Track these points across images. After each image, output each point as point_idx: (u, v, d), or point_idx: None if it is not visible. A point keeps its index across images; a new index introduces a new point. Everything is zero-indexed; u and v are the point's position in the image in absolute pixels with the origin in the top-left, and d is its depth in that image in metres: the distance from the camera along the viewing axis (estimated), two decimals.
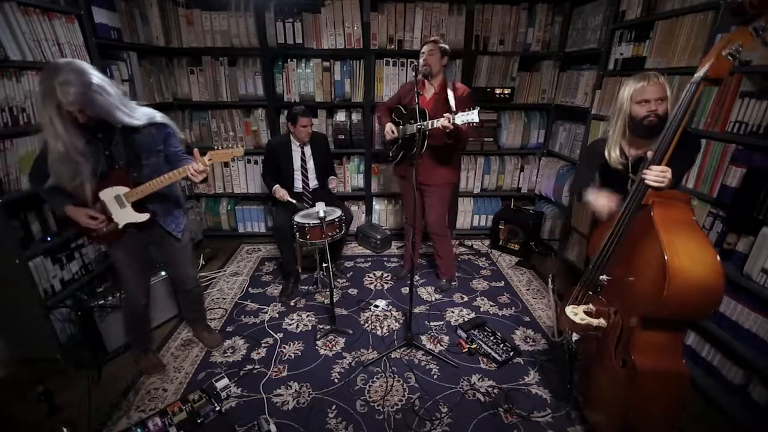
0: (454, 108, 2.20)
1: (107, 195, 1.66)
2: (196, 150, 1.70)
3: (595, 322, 1.45)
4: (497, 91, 3.22)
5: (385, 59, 3.16)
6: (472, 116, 2.01)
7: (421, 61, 2.31)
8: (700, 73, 1.23)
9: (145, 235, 1.81)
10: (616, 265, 1.44)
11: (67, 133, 1.45)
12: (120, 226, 1.72)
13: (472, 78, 3.24)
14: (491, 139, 3.46)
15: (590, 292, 1.54)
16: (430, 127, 2.17)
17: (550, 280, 1.64)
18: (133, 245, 1.81)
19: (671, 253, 1.18)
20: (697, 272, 1.17)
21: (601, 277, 1.47)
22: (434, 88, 2.40)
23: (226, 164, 3.43)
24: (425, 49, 2.31)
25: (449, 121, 2.05)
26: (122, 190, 1.66)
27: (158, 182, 1.67)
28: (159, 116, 1.70)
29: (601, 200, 1.57)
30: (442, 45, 2.32)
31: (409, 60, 3.16)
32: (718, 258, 1.20)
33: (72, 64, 1.42)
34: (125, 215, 1.71)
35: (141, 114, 1.64)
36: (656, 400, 1.33)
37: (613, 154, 1.63)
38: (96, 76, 1.45)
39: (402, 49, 3.13)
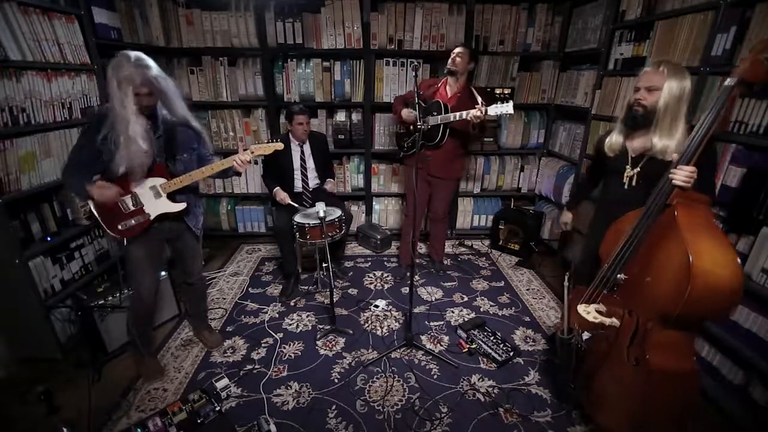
0: (481, 100, 2.31)
1: (142, 186, 1.70)
2: (242, 144, 1.78)
3: (608, 321, 1.45)
4: (497, 91, 3.22)
5: (385, 59, 3.16)
6: (507, 108, 2.12)
7: (450, 59, 2.45)
8: (735, 77, 1.21)
9: (167, 229, 1.84)
10: (633, 264, 1.43)
11: (136, 118, 1.54)
12: (152, 218, 1.74)
13: (472, 78, 3.24)
14: (491, 139, 3.45)
15: (606, 291, 1.52)
16: (458, 118, 2.30)
17: (566, 277, 1.64)
18: (153, 242, 1.83)
19: (695, 254, 1.18)
20: (720, 274, 1.17)
21: (618, 275, 1.45)
22: (457, 87, 2.53)
23: None
24: (457, 50, 2.44)
25: (482, 113, 2.17)
26: (159, 180, 1.72)
27: (201, 173, 1.75)
28: (195, 123, 1.80)
29: (564, 217, 1.76)
30: (472, 50, 2.49)
31: (409, 60, 3.16)
32: (739, 260, 1.19)
33: (140, 54, 1.55)
34: (159, 205, 1.75)
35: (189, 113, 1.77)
36: (669, 399, 1.34)
37: (613, 138, 1.64)
38: (158, 68, 1.60)
39: (402, 49, 3.13)
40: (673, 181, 1.28)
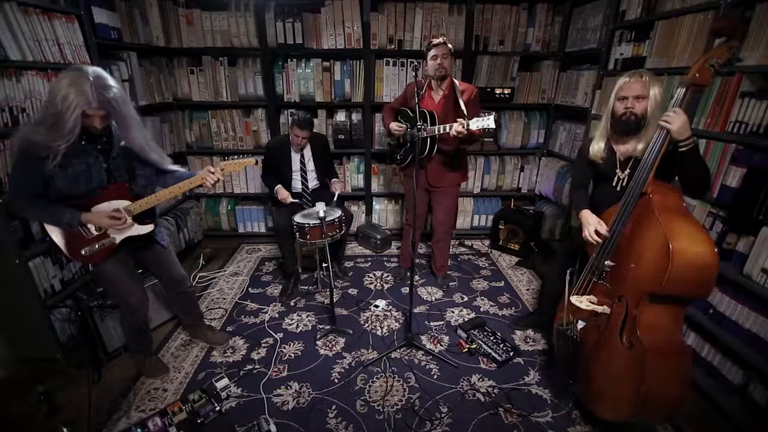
0: (465, 112, 2.19)
1: (103, 209, 1.58)
2: (221, 164, 1.73)
3: (599, 308, 1.54)
4: (497, 91, 3.22)
5: (385, 59, 3.16)
6: (488, 122, 2.02)
7: (433, 63, 2.25)
8: (685, 84, 1.41)
9: (134, 244, 1.75)
10: (617, 252, 1.52)
11: (78, 138, 1.43)
12: (117, 241, 1.65)
13: (472, 78, 3.24)
14: (491, 139, 3.46)
15: (595, 279, 1.59)
16: (442, 131, 2.18)
17: (568, 272, 1.67)
18: (121, 254, 1.74)
19: (672, 236, 1.30)
20: (696, 251, 1.29)
21: (606, 262, 1.52)
22: (443, 91, 2.38)
23: None
24: (439, 52, 2.23)
25: (464, 127, 2.06)
26: (123, 203, 1.60)
27: (167, 193, 1.64)
28: (154, 154, 1.67)
29: (591, 219, 1.65)
30: (451, 46, 2.29)
31: (409, 60, 3.15)
32: (711, 238, 1.33)
33: (100, 70, 1.43)
34: (125, 229, 1.65)
35: (159, 152, 1.68)
36: (665, 376, 1.40)
37: (595, 146, 1.72)
38: (119, 87, 1.48)
39: (402, 49, 3.13)
40: (660, 122, 1.41)
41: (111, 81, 1.44)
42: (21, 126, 1.47)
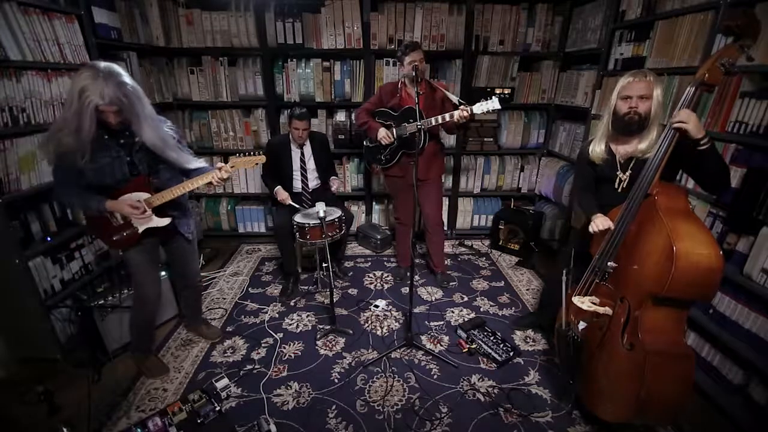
0: (455, 101, 2.23)
1: (126, 200, 1.66)
2: (231, 160, 1.78)
3: (601, 309, 1.54)
4: (497, 91, 3.22)
5: (385, 59, 3.16)
6: (493, 104, 2.02)
7: (409, 68, 2.27)
8: (695, 83, 1.38)
9: (160, 233, 1.83)
10: (620, 253, 1.51)
11: (93, 135, 1.47)
12: (140, 231, 1.73)
13: (472, 78, 3.24)
14: (491, 139, 3.45)
15: (597, 281, 1.59)
16: (441, 121, 2.21)
17: (564, 272, 1.66)
18: (148, 245, 1.82)
19: (676, 238, 1.29)
20: (700, 253, 1.28)
21: (609, 263, 1.51)
22: (420, 88, 2.40)
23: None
24: (416, 57, 2.26)
25: (468, 113, 2.07)
26: (143, 195, 1.68)
27: (180, 189, 1.71)
28: (172, 152, 1.70)
29: (600, 219, 1.63)
30: (422, 49, 2.36)
31: None
32: (716, 242, 1.31)
33: (113, 66, 1.45)
34: (145, 220, 1.72)
35: (177, 151, 1.72)
36: (665, 380, 1.39)
37: (597, 149, 1.71)
38: (133, 84, 1.50)
39: None
40: (674, 124, 1.37)
41: (125, 77, 1.47)
42: (51, 127, 1.52)
